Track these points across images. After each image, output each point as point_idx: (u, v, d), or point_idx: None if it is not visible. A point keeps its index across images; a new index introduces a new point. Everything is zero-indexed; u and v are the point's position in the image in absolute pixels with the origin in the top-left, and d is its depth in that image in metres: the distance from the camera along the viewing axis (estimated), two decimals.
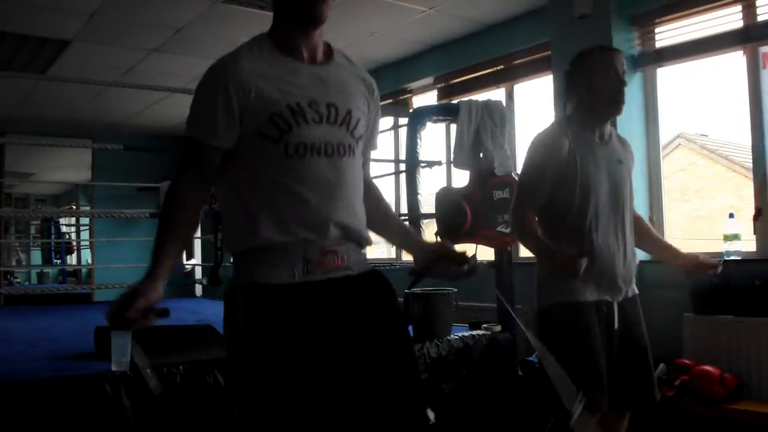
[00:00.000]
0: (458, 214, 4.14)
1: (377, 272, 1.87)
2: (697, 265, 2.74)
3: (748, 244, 4.07)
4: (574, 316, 2.55)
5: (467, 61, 5.91)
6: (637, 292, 2.72)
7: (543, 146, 2.64)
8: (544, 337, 2.63)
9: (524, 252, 5.38)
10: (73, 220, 11.41)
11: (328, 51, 1.88)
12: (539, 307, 2.66)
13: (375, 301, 1.80)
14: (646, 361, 2.68)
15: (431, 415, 2.23)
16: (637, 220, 2.79)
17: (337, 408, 1.65)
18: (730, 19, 4.19)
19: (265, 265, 1.70)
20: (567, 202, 2.57)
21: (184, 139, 1.74)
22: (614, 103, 2.62)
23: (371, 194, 1.97)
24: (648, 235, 2.91)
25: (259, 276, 1.69)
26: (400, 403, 1.75)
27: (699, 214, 5.59)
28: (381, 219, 1.99)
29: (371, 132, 1.96)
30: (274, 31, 1.82)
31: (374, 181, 2.07)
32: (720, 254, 4.11)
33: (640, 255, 4.46)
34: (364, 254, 1.87)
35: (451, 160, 4.50)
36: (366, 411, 1.70)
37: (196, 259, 8.50)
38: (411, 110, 5.58)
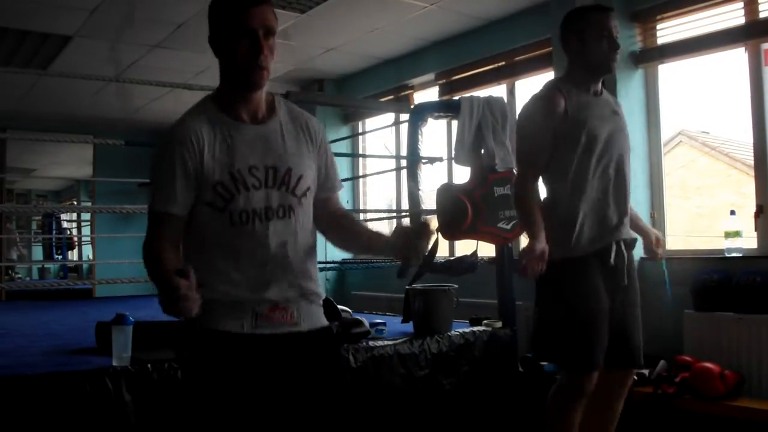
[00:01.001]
0: (459, 211, 4.14)
1: (326, 329, 1.97)
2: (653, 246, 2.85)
3: (749, 241, 4.07)
4: (576, 272, 2.57)
5: (468, 57, 5.91)
6: (635, 237, 2.75)
7: (539, 107, 2.66)
8: (545, 290, 2.66)
9: None
10: (74, 216, 11.37)
11: (271, 105, 1.94)
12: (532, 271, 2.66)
13: (314, 361, 1.89)
14: (638, 317, 2.71)
15: None
16: None
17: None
18: (732, 15, 4.19)
19: (218, 314, 1.80)
20: (568, 158, 2.59)
21: (148, 211, 1.84)
22: (607, 64, 2.66)
23: (345, 221, 2.07)
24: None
25: (212, 323, 1.80)
26: None
27: (700, 212, 5.58)
28: (359, 241, 2.05)
29: (327, 173, 2.04)
30: (217, 94, 1.92)
31: (344, 210, 2.15)
32: (721, 251, 4.11)
33: (641, 252, 4.47)
34: (316, 309, 1.96)
35: (452, 156, 4.49)
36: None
37: None
38: (412, 106, 5.57)
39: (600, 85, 2.73)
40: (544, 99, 2.65)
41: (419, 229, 1.85)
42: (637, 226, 2.94)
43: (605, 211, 2.65)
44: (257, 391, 1.79)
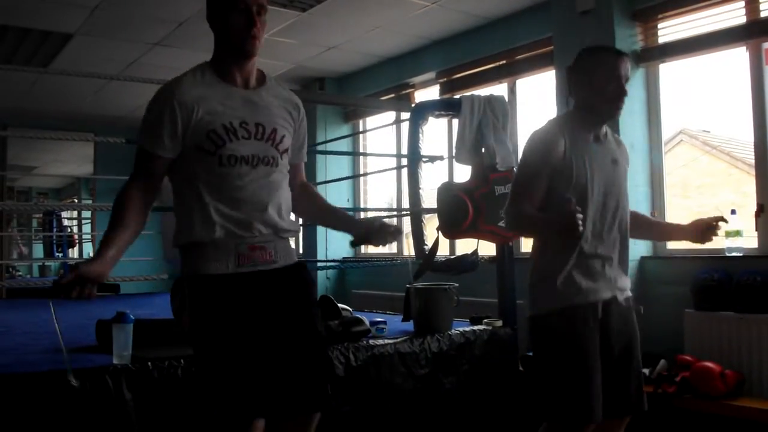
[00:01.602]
0: (460, 209, 4.14)
1: (301, 264, 2.24)
2: (704, 228, 2.71)
3: (749, 240, 4.07)
4: (569, 322, 2.51)
5: (469, 56, 5.91)
6: (631, 295, 2.69)
7: (539, 144, 2.61)
8: (538, 343, 2.62)
9: (525, 247, 5.38)
10: (75, 214, 11.38)
11: (261, 77, 2.22)
12: (533, 313, 2.62)
13: (293, 291, 2.16)
14: (638, 369, 2.66)
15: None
16: (635, 215, 2.78)
17: (257, 364, 2.03)
18: (733, 15, 4.19)
19: (202, 258, 2.05)
20: (561, 203, 2.55)
21: (136, 149, 2.11)
22: (613, 108, 2.58)
23: (306, 193, 2.40)
24: (649, 223, 2.93)
25: (198, 267, 2.05)
26: (304, 364, 2.11)
27: (701, 211, 5.56)
28: (318, 212, 2.44)
29: (299, 145, 2.33)
30: (214, 60, 2.16)
31: (310, 184, 2.46)
32: (722, 251, 4.12)
33: (642, 251, 4.48)
34: (290, 246, 2.22)
35: (453, 155, 4.49)
36: (277, 368, 2.06)
37: None
38: (413, 105, 5.57)
39: (604, 127, 2.68)
40: (545, 136, 2.59)
41: (380, 229, 2.21)
42: (668, 228, 2.92)
43: (598, 263, 2.58)
44: (247, 320, 2.04)
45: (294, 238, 2.29)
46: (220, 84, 2.10)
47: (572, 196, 2.44)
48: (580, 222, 2.34)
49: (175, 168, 2.10)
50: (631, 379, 2.62)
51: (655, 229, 2.98)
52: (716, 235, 2.71)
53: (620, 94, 2.56)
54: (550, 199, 2.55)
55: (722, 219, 2.68)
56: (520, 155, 2.68)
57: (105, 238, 1.94)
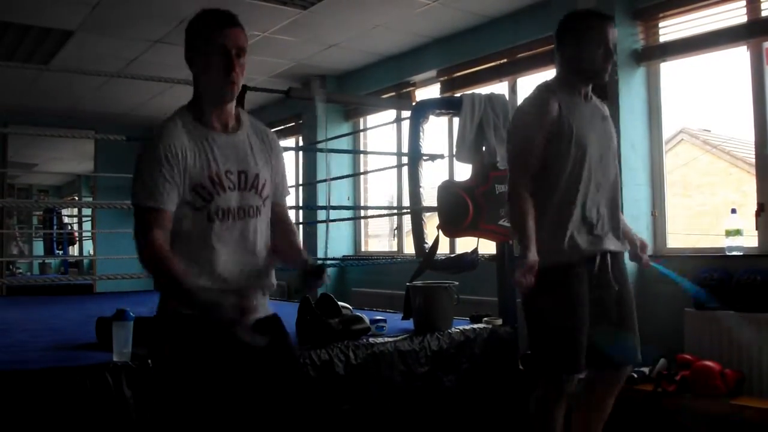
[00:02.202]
0: (460, 208, 4.14)
1: (276, 316, 2.21)
2: (634, 256, 2.83)
3: (750, 239, 4.07)
4: (564, 276, 2.56)
5: (470, 54, 5.90)
6: (626, 248, 2.74)
7: (531, 110, 2.64)
8: (530, 297, 2.65)
9: None
10: (75, 211, 11.40)
11: (238, 117, 2.17)
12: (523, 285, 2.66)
13: (273, 341, 2.08)
14: (633, 320, 2.70)
15: None
16: None
17: (237, 409, 2.00)
18: (734, 14, 4.18)
19: None
20: (560, 163, 2.57)
21: (138, 210, 1.99)
22: (600, 72, 2.63)
23: (285, 230, 2.29)
24: None
25: (184, 308, 1.97)
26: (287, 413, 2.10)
27: (701, 210, 5.57)
28: (288, 251, 2.25)
29: (279, 181, 2.27)
30: (191, 103, 2.12)
31: (290, 219, 2.39)
32: (722, 250, 4.12)
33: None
34: (267, 300, 2.21)
35: (454, 153, 4.49)
36: (259, 415, 2.05)
37: None
38: (414, 103, 5.57)
39: (589, 89, 2.71)
40: (536, 101, 2.63)
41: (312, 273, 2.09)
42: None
43: (592, 219, 2.62)
44: (227, 363, 1.99)
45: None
46: (200, 130, 2.06)
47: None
48: (527, 285, 2.47)
49: None
50: (628, 331, 2.67)
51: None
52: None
53: (608, 56, 2.60)
54: (548, 160, 2.58)
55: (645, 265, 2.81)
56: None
57: (181, 283, 1.90)
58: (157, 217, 1.97)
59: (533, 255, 2.49)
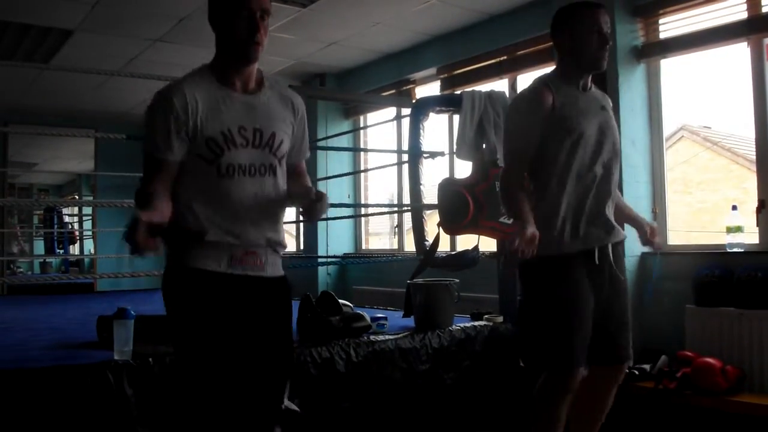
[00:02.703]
0: (460, 205, 4.15)
1: (284, 278, 2.25)
2: (646, 240, 2.83)
3: (750, 236, 4.07)
4: (565, 268, 2.56)
5: (470, 51, 5.90)
6: (624, 237, 2.73)
7: (527, 102, 2.65)
8: (531, 287, 2.65)
9: None
10: (75, 210, 11.40)
11: (260, 79, 2.20)
12: (523, 259, 2.65)
13: (274, 301, 2.20)
14: (629, 315, 2.70)
15: (291, 404, 2.70)
16: None
17: (232, 363, 2.08)
18: (734, 10, 4.18)
19: (198, 254, 2.07)
20: (555, 154, 2.58)
21: (144, 157, 2.08)
22: (597, 60, 2.64)
23: (300, 179, 2.32)
24: (620, 204, 2.94)
25: (193, 262, 2.07)
26: (269, 376, 2.18)
27: (702, 207, 5.58)
28: (297, 190, 2.27)
29: (299, 144, 2.30)
30: (214, 63, 2.15)
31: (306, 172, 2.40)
32: (723, 246, 4.11)
33: (642, 247, 4.47)
34: (279, 259, 2.24)
35: (454, 151, 4.49)
36: (249, 371, 2.12)
37: None
38: (414, 101, 5.57)
39: (589, 80, 2.72)
40: (532, 93, 2.64)
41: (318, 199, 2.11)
42: (629, 217, 2.92)
43: (591, 210, 2.62)
44: (232, 318, 2.08)
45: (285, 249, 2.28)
46: (219, 89, 2.09)
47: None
48: (532, 251, 2.43)
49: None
50: (622, 328, 2.67)
51: (622, 210, 2.98)
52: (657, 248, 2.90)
53: (603, 43, 2.62)
54: (543, 150, 2.58)
55: (655, 252, 2.78)
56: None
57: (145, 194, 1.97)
58: (160, 166, 2.04)
59: (531, 226, 2.47)
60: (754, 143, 4.14)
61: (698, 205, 5.55)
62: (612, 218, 2.68)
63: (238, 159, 2.07)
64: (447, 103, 4.79)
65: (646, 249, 4.42)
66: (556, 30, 2.70)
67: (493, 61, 5.76)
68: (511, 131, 2.70)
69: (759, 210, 4.04)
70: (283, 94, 2.25)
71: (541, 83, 2.65)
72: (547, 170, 2.60)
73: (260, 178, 2.12)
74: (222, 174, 2.05)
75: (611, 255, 2.65)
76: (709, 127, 6.14)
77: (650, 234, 2.83)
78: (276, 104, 2.20)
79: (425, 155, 4.74)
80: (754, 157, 4.16)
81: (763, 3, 4.06)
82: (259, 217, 2.12)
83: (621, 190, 4.30)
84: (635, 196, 4.42)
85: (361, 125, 7.51)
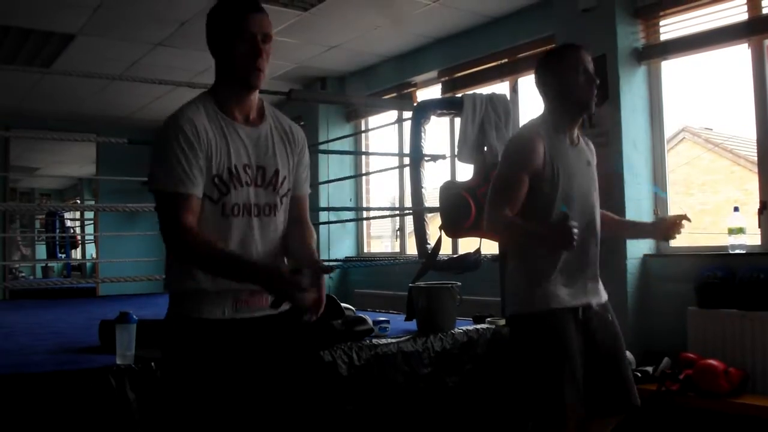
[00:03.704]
0: (462, 208, 4.14)
1: (290, 310, 2.10)
2: (668, 226, 2.73)
3: (752, 237, 4.07)
4: (549, 324, 2.53)
5: (471, 54, 5.90)
6: (606, 301, 2.70)
7: (520, 150, 2.61)
8: (522, 342, 2.63)
9: None
10: (77, 215, 11.40)
11: (261, 109, 2.10)
12: (512, 314, 2.65)
13: (285, 339, 2.09)
14: (623, 365, 2.67)
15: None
16: (602, 215, 2.77)
17: (243, 412, 1.97)
18: (735, 11, 4.18)
19: (198, 303, 1.96)
20: (543, 210, 2.54)
21: (163, 197, 1.90)
22: (585, 102, 2.60)
23: (302, 233, 2.16)
24: (614, 222, 2.91)
25: (193, 311, 1.96)
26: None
27: (704, 208, 5.57)
28: (300, 254, 2.13)
29: (299, 179, 2.18)
30: (214, 90, 2.04)
31: (310, 224, 2.25)
32: (725, 248, 4.11)
33: (644, 249, 4.47)
34: None
35: (455, 153, 4.49)
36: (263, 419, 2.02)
37: None
38: (415, 104, 5.57)
39: (576, 132, 2.68)
40: (525, 141, 2.59)
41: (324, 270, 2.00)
42: (637, 228, 2.92)
43: (578, 269, 2.59)
44: (239, 369, 1.96)
45: None
46: (223, 119, 1.99)
47: (565, 209, 2.46)
48: (576, 237, 2.36)
49: None
50: (620, 380, 2.64)
51: (620, 227, 2.98)
52: (680, 233, 2.72)
53: (590, 81, 2.59)
54: (531, 202, 2.56)
55: (685, 217, 2.69)
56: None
57: (235, 260, 1.90)
58: (187, 204, 1.89)
59: (551, 224, 2.45)
60: (755, 145, 4.14)
61: (700, 206, 5.54)
62: (594, 278, 2.65)
63: (242, 198, 1.98)
64: (448, 106, 4.79)
65: (648, 251, 4.45)
66: (542, 75, 2.66)
67: (494, 63, 5.76)
68: (502, 176, 2.61)
69: (761, 211, 4.04)
70: (282, 125, 2.14)
71: (533, 132, 2.56)
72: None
73: (265, 218, 2.03)
74: (226, 214, 1.96)
75: (596, 315, 2.62)
76: (711, 129, 6.13)
77: (666, 225, 2.76)
78: (278, 137, 2.10)
79: (427, 158, 4.74)
80: (756, 159, 4.16)
81: (763, 4, 4.06)
82: (264, 257, 2.02)
83: (622, 191, 4.33)
84: (636, 198, 4.41)
85: (363, 128, 7.52)
